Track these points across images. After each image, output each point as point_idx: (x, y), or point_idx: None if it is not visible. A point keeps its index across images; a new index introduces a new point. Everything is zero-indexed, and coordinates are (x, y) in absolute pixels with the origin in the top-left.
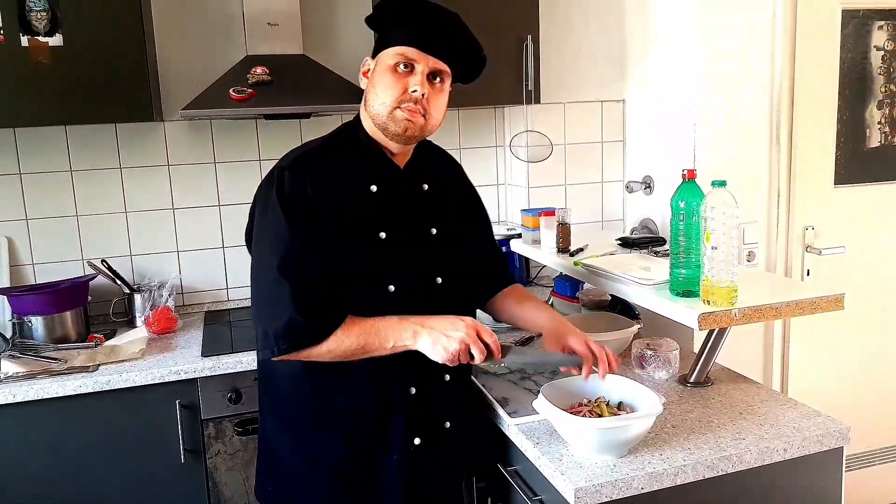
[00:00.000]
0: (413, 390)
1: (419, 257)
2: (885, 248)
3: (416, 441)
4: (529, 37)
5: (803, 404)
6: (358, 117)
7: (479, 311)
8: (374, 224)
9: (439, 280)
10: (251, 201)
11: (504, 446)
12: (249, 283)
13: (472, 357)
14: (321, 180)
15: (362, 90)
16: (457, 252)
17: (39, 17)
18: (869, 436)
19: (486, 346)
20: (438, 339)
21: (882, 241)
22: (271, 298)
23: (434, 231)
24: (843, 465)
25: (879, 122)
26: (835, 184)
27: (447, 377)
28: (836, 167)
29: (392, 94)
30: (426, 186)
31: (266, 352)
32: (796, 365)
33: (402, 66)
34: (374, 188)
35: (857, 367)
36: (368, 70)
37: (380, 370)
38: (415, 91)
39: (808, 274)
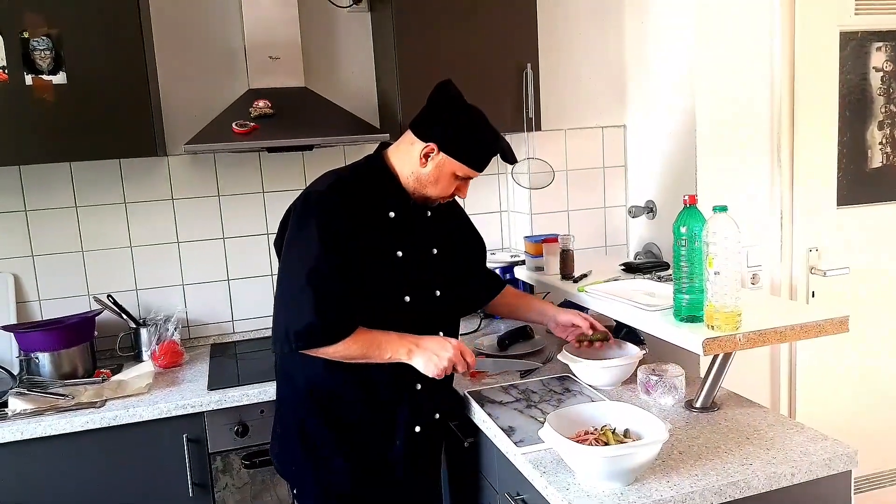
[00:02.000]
0: (419, 385)
1: (424, 273)
2: (890, 268)
3: (417, 429)
4: (529, 64)
5: (810, 428)
6: (384, 157)
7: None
8: (393, 245)
9: (438, 293)
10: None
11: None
12: (276, 285)
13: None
14: (351, 206)
15: (364, 122)
16: (452, 269)
17: (43, 56)
18: (878, 457)
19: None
20: (431, 358)
21: (886, 261)
22: (296, 302)
23: (435, 251)
24: (852, 489)
25: (881, 143)
26: (838, 205)
27: (437, 415)
28: (839, 188)
29: (446, 193)
30: (429, 213)
31: (284, 346)
32: (804, 387)
33: (461, 177)
34: (392, 214)
35: (865, 387)
36: (430, 154)
37: (396, 367)
38: (460, 195)
39: (812, 295)
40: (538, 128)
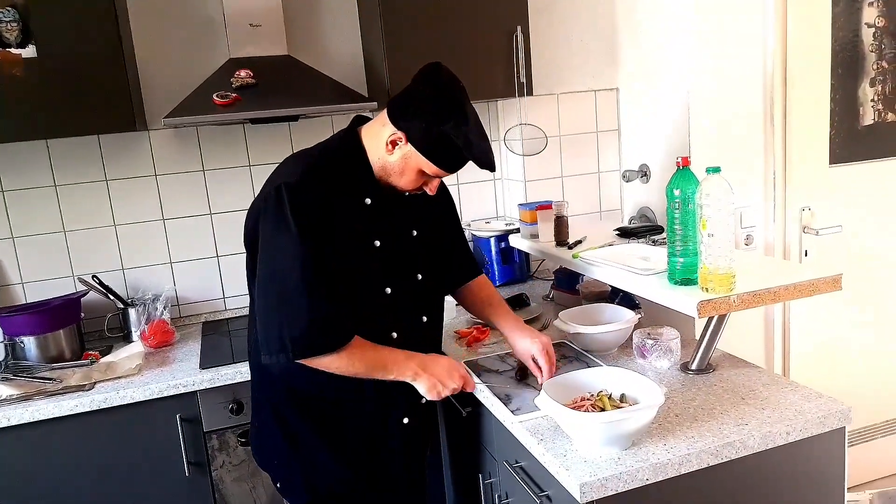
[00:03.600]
0: (406, 420)
1: (405, 258)
2: (882, 225)
3: (405, 420)
4: (519, 28)
5: (804, 386)
6: (358, 137)
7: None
8: (370, 234)
9: (419, 277)
10: (244, 207)
11: None
12: (256, 291)
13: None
14: (326, 196)
15: (351, 90)
16: (432, 249)
17: (10, 28)
18: (870, 410)
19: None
20: (435, 385)
21: (878, 219)
22: (289, 308)
23: (415, 233)
24: (846, 445)
25: (873, 100)
26: (830, 163)
27: (423, 400)
28: (831, 146)
29: (413, 185)
30: (407, 192)
31: (281, 355)
32: (797, 345)
33: (430, 175)
34: (368, 201)
35: (857, 342)
36: (398, 143)
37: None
38: (427, 191)
39: (806, 255)
40: (530, 93)
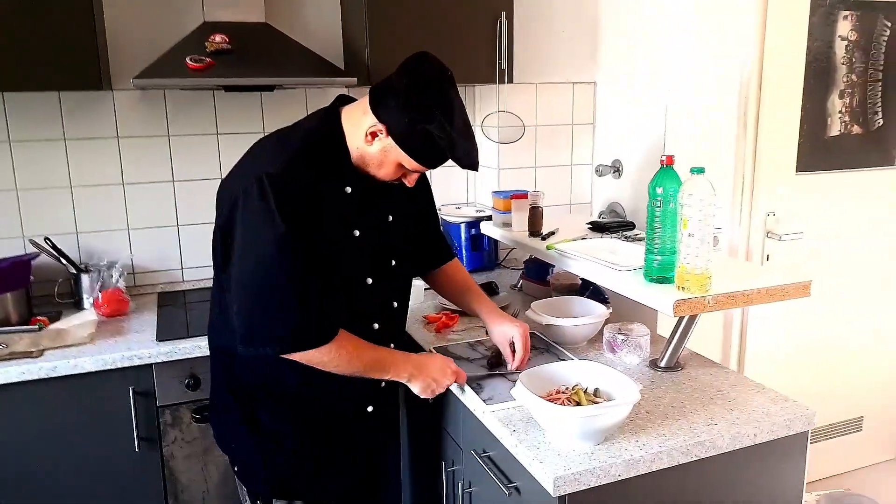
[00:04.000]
0: (370, 408)
1: (382, 246)
2: (841, 234)
3: (370, 409)
4: (503, 13)
5: (770, 389)
6: (339, 123)
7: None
8: (351, 223)
9: (393, 262)
10: (210, 177)
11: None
12: (234, 282)
13: None
14: (310, 185)
15: (330, 64)
16: (407, 234)
17: None
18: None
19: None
20: (429, 385)
21: (838, 227)
22: (277, 301)
23: (390, 218)
24: (808, 448)
25: (840, 112)
26: (796, 171)
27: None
28: (799, 155)
29: (391, 178)
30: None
31: (269, 347)
32: (753, 345)
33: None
34: (348, 190)
35: (811, 345)
36: (378, 135)
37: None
38: (406, 183)
39: (767, 259)
40: (510, 80)
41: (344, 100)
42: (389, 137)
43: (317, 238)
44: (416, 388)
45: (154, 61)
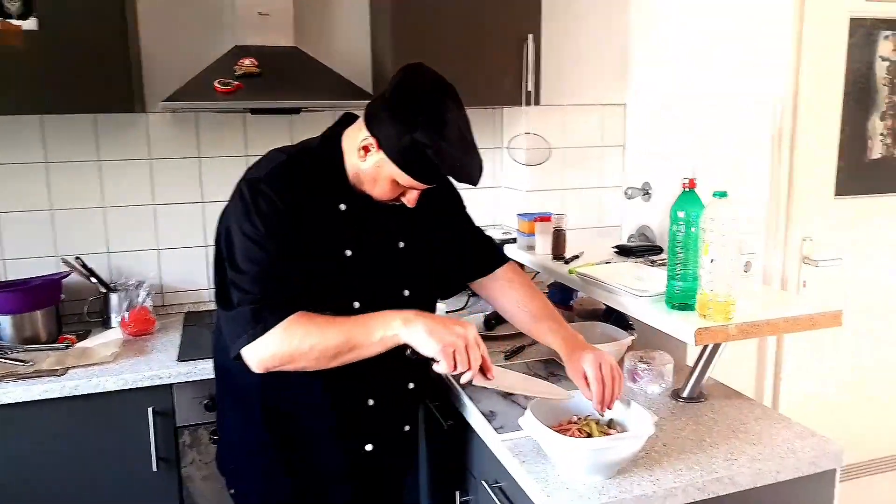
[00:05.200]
0: (371, 402)
1: (385, 272)
2: (883, 261)
3: (368, 447)
4: (531, 36)
5: (797, 423)
6: (339, 138)
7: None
8: (341, 242)
9: (406, 293)
10: None
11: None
12: (216, 291)
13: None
14: (293, 196)
15: (355, 87)
16: (426, 261)
17: None
18: (861, 448)
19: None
20: (435, 329)
21: (880, 254)
22: (244, 291)
23: (402, 244)
24: (836, 488)
25: (882, 134)
26: (835, 195)
27: (411, 385)
28: (837, 178)
29: (388, 196)
30: (386, 202)
31: (240, 340)
32: (789, 375)
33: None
34: (342, 206)
35: (850, 377)
36: (370, 149)
37: (337, 383)
38: (406, 203)
39: (804, 285)
40: (537, 102)
41: (350, 119)
42: (381, 152)
43: (295, 250)
44: (419, 340)
45: (184, 84)
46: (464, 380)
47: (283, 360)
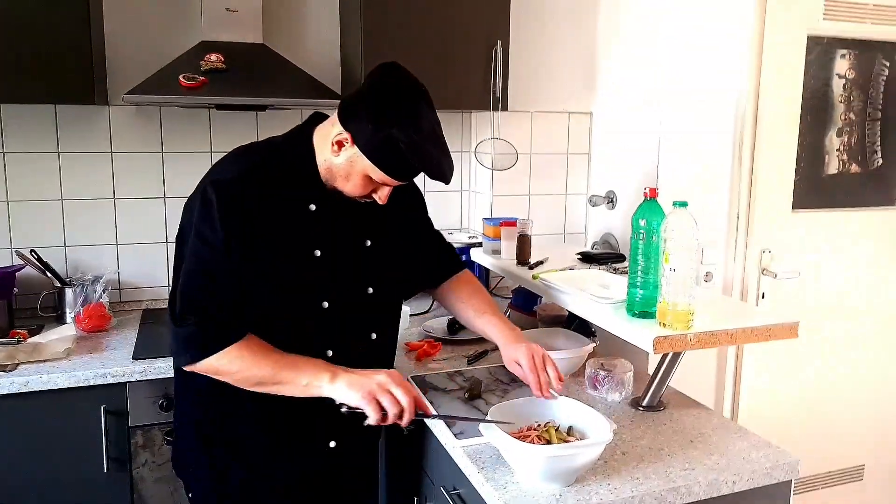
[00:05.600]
0: (332, 444)
1: (352, 270)
2: (840, 273)
3: (332, 444)
4: (500, 41)
5: (754, 434)
6: (310, 138)
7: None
8: (310, 243)
9: (370, 290)
10: None
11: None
12: (171, 289)
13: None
14: (261, 198)
15: (323, 86)
16: (391, 259)
17: None
18: (817, 459)
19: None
20: (354, 381)
21: (837, 266)
22: (182, 306)
23: (368, 243)
24: (791, 499)
25: (838, 150)
26: (793, 208)
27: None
28: (795, 192)
29: (360, 192)
30: (357, 199)
31: (182, 358)
32: (748, 387)
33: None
34: (312, 207)
35: (808, 389)
36: (344, 144)
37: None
38: (377, 200)
39: (762, 297)
40: (504, 108)
41: (319, 118)
42: (355, 146)
43: (263, 252)
44: (341, 393)
45: (148, 77)
46: (404, 423)
47: (210, 371)
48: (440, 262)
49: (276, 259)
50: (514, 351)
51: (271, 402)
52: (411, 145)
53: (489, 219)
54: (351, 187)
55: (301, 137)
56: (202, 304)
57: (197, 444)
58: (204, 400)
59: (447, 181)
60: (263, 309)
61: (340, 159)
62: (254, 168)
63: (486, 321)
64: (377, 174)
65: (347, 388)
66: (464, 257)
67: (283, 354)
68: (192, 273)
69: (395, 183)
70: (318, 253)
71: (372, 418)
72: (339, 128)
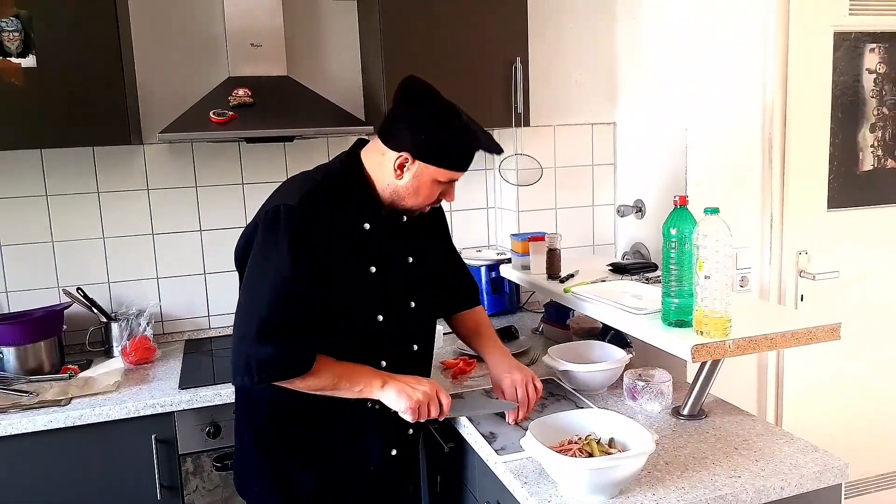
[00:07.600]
0: (394, 451)
1: (399, 286)
2: (879, 272)
3: (393, 452)
4: (518, 58)
5: (800, 438)
6: (359, 159)
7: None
8: (367, 260)
9: (412, 304)
10: (235, 226)
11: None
12: (236, 309)
13: (430, 414)
14: (324, 219)
15: (347, 113)
16: (428, 276)
17: (11, 37)
18: (864, 462)
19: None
20: (403, 389)
21: (876, 265)
22: (259, 330)
23: (410, 259)
24: (842, 501)
25: (872, 146)
26: (828, 207)
27: (410, 431)
28: (829, 191)
29: (430, 200)
30: (404, 218)
31: (246, 378)
32: (791, 392)
33: (444, 182)
34: (367, 226)
35: (852, 392)
36: (405, 165)
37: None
38: (446, 200)
39: (801, 299)
40: (526, 123)
41: (363, 143)
42: (417, 162)
43: (325, 271)
44: (390, 399)
45: (180, 116)
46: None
47: (284, 385)
48: (464, 293)
49: (337, 276)
50: (500, 375)
51: (334, 413)
52: (458, 132)
53: (517, 234)
54: (422, 199)
55: (351, 163)
56: (283, 326)
57: (261, 462)
58: (265, 416)
59: (501, 151)
60: (325, 323)
61: (405, 180)
62: (316, 191)
63: (480, 341)
64: (444, 174)
65: (396, 396)
66: (493, 274)
67: (341, 364)
68: (266, 295)
69: (460, 175)
70: (373, 269)
71: (410, 419)
72: (391, 153)
